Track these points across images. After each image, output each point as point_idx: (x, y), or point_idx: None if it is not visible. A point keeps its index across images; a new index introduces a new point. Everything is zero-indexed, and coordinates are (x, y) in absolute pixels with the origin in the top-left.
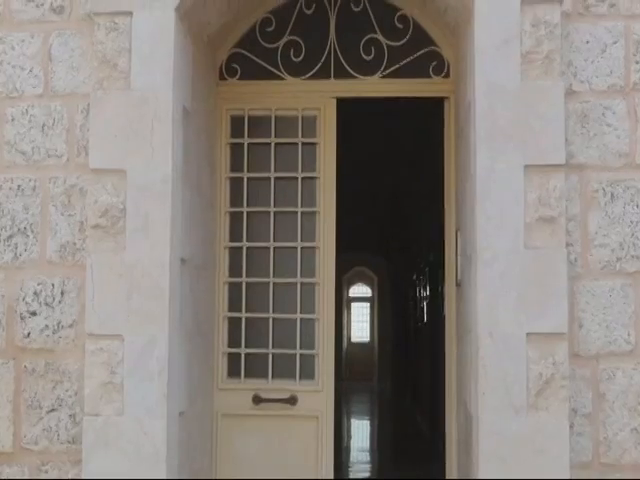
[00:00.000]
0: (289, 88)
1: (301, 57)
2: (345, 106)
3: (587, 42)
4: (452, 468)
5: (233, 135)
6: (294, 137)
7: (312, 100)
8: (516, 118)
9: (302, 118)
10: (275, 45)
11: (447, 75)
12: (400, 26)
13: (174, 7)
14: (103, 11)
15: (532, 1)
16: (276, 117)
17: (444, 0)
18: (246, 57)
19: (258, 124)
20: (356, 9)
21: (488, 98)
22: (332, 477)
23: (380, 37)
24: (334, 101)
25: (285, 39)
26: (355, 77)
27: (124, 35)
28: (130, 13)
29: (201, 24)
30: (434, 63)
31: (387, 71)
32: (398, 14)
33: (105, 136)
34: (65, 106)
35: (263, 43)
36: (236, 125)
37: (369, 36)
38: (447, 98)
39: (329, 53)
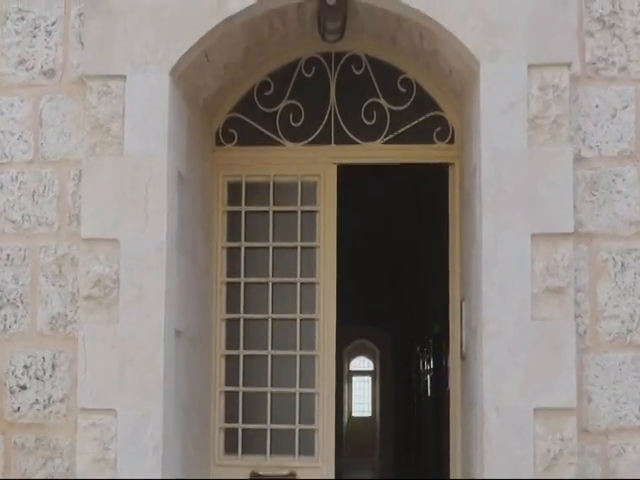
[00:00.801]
0: (288, 154)
1: (300, 122)
2: (346, 172)
3: (597, 106)
4: None
5: (230, 202)
6: (293, 205)
7: (312, 166)
8: (523, 184)
9: (301, 185)
10: (274, 109)
11: (452, 140)
12: (403, 90)
13: (169, 70)
14: (96, 74)
15: (540, 64)
16: (275, 184)
17: (448, 63)
18: (244, 122)
19: (256, 191)
20: (357, 72)
21: (494, 164)
22: None
23: (382, 101)
24: (334, 167)
25: (284, 103)
26: (356, 142)
27: (117, 99)
28: (123, 77)
29: (197, 88)
30: (438, 128)
31: (389, 136)
32: (401, 77)
33: (97, 204)
34: (56, 173)
35: (261, 107)
36: (233, 192)
37: (371, 100)
38: (452, 164)
39: (329, 118)
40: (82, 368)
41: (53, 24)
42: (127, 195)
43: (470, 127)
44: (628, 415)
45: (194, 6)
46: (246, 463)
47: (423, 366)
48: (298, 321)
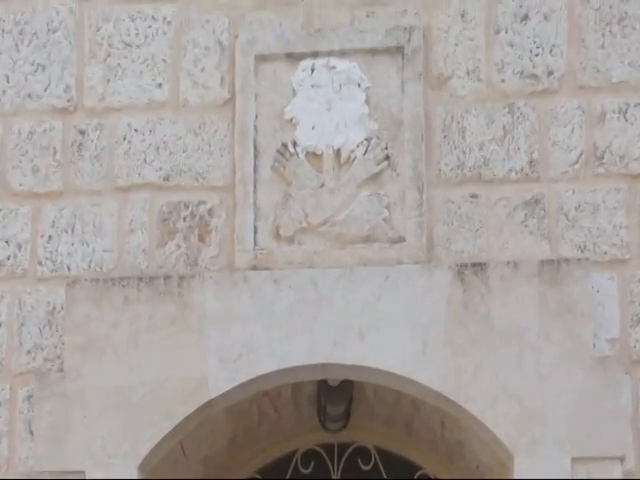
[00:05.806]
0: None
1: None
2: None
3: None
4: None
5: None
6: None
7: None
8: None
9: None
10: None
11: None
12: None
13: (137, 465)
14: (48, 470)
15: (586, 457)
16: None
17: (475, 456)
18: None
19: None
20: (365, 467)
21: None
22: None
23: None
24: None
25: None
26: None
27: None
28: (82, 472)
29: None
30: None
31: None
32: (418, 473)
33: None
34: None
35: None
36: None
37: None
38: None
39: None
40: None
41: None
42: None
43: None
44: None
45: (168, 387)
46: None
47: None
48: None
